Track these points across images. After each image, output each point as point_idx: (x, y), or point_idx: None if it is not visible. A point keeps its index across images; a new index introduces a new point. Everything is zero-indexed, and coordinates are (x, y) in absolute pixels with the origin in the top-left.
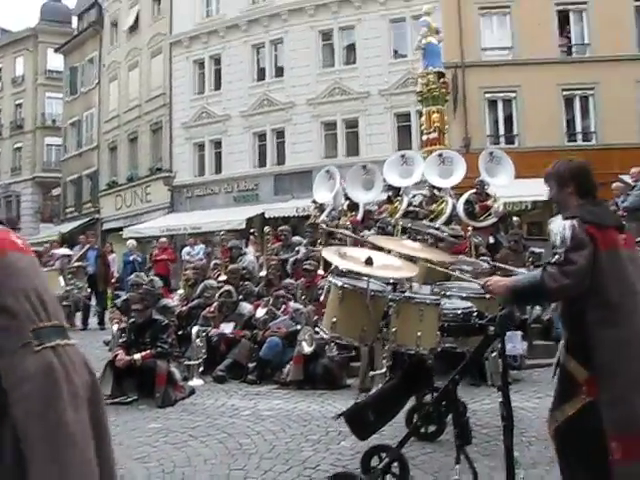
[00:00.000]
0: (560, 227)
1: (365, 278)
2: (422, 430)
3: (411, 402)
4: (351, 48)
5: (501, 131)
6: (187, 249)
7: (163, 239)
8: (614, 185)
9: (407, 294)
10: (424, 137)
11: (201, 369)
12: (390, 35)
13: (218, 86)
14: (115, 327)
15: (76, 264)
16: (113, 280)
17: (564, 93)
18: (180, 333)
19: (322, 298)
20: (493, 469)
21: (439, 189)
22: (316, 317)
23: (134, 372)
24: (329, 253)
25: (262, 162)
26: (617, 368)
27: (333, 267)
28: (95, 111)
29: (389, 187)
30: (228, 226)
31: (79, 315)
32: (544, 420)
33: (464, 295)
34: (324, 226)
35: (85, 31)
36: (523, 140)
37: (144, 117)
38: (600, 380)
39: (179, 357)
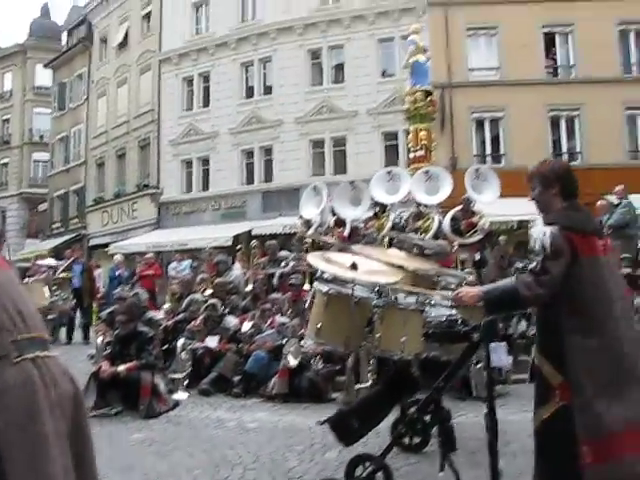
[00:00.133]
0: (540, 233)
1: (350, 284)
2: (407, 441)
3: (397, 414)
4: (340, 67)
5: (488, 150)
6: (174, 264)
7: (149, 255)
8: (599, 203)
9: (391, 299)
10: (411, 155)
11: (186, 382)
12: (378, 54)
13: (207, 103)
14: (100, 339)
15: (61, 275)
16: (99, 295)
17: (550, 114)
18: (165, 347)
19: (307, 304)
20: (478, 479)
21: (425, 206)
22: (302, 331)
23: (118, 384)
24: (314, 258)
25: (250, 179)
26: (587, 374)
27: (318, 273)
28: (83, 127)
29: (376, 203)
30: (215, 243)
31: (64, 330)
32: (529, 434)
33: (448, 304)
34: (312, 235)
35: (74, 47)
36: (510, 160)
37: (132, 133)
38: (572, 385)
39: (164, 369)
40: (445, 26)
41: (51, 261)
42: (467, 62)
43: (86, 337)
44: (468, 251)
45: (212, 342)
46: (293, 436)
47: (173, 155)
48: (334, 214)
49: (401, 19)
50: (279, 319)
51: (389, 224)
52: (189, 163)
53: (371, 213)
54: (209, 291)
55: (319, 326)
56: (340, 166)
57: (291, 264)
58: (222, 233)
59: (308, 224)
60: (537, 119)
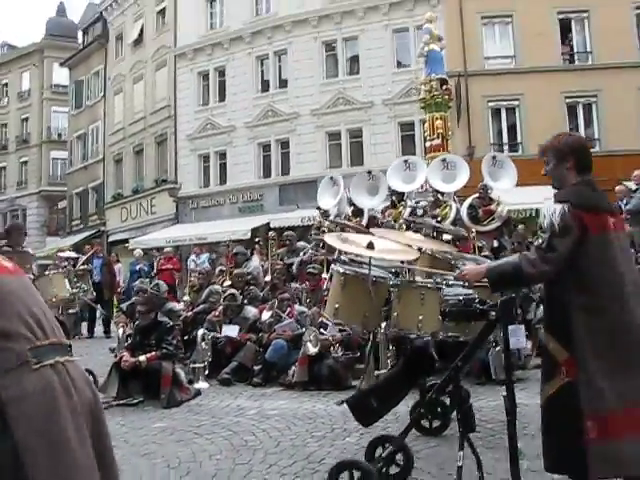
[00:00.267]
0: (551, 210)
1: (367, 265)
2: (427, 425)
3: (416, 397)
4: (354, 58)
5: (505, 139)
6: (192, 257)
7: (168, 249)
8: (617, 188)
9: (408, 278)
10: (427, 143)
11: (206, 372)
12: (393, 45)
13: (222, 97)
14: (121, 331)
15: (82, 267)
16: (119, 290)
17: (567, 101)
18: (186, 338)
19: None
20: (497, 460)
21: (442, 194)
22: (321, 319)
23: (139, 374)
24: (331, 238)
25: (267, 173)
26: (593, 351)
27: (335, 255)
28: (100, 124)
29: (393, 192)
30: (233, 236)
31: (85, 324)
32: None
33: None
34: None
35: (90, 45)
36: (527, 148)
37: (149, 129)
38: (578, 361)
39: (184, 359)
40: (460, 15)
41: (72, 254)
42: (482, 50)
43: (107, 331)
44: (486, 238)
45: (232, 332)
46: (313, 422)
47: (190, 150)
48: (351, 204)
49: (415, 9)
50: (298, 308)
51: (406, 212)
52: (206, 158)
53: (388, 202)
54: (228, 282)
55: (337, 306)
56: (357, 157)
57: (309, 252)
58: (240, 227)
59: (326, 214)
60: (554, 107)
